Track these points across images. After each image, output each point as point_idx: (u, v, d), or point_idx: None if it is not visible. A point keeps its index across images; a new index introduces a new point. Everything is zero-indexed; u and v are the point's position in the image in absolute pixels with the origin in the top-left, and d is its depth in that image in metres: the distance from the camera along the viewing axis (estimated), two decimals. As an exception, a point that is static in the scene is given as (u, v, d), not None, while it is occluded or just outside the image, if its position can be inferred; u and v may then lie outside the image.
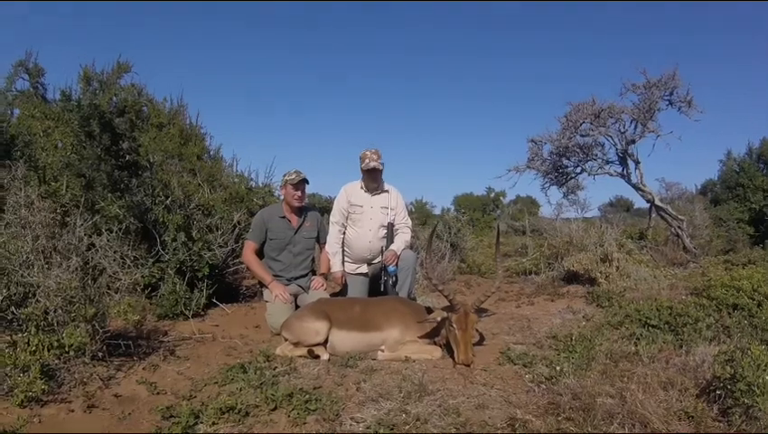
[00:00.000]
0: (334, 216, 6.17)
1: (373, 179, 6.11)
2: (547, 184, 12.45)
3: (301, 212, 6.08)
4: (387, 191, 6.19)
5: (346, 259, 6.22)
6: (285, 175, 5.94)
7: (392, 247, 5.99)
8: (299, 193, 5.94)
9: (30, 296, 3.96)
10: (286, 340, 4.79)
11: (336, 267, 6.09)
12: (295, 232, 6.02)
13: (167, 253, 5.99)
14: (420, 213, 19.57)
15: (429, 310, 4.89)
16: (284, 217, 6.00)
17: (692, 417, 3.12)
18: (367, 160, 6.02)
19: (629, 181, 11.45)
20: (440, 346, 4.72)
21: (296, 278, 6.01)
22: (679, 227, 11.08)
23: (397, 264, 5.91)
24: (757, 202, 16.07)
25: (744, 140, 30.89)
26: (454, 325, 4.46)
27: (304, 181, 5.95)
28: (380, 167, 6.04)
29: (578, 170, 12.10)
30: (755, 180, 16.81)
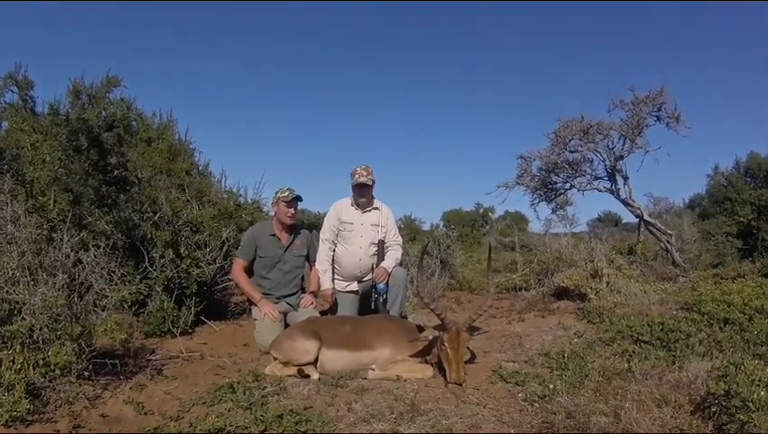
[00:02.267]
0: (324, 233, 6.14)
1: (362, 194, 6.10)
2: (537, 200, 12.47)
3: (291, 229, 6.05)
4: (377, 208, 6.18)
5: (336, 276, 6.18)
6: (277, 192, 5.90)
7: (383, 264, 5.96)
8: (292, 210, 5.91)
9: (15, 313, 3.89)
10: (276, 359, 4.74)
11: (326, 284, 6.04)
12: (285, 250, 5.98)
13: (155, 270, 5.93)
14: (409, 230, 19.54)
15: (420, 328, 4.86)
16: (274, 235, 5.97)
17: (687, 434, 3.10)
18: (356, 175, 6.01)
19: (618, 196, 11.49)
20: (431, 365, 4.68)
21: (286, 297, 5.97)
22: (668, 241, 11.11)
23: (387, 282, 5.88)
24: (745, 216, 16.13)
25: (731, 154, 31.06)
26: (446, 344, 4.43)
27: (297, 198, 5.92)
28: (369, 183, 6.04)
29: (567, 186, 12.14)
30: (743, 194, 16.88)
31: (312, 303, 5.98)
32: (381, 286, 5.85)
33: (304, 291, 6.17)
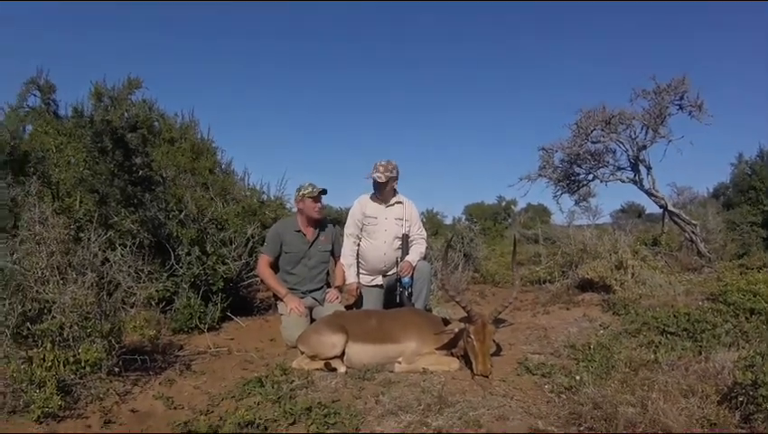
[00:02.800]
0: (349, 228, 6.17)
1: (379, 191, 6.12)
2: (559, 192, 12.38)
3: (317, 224, 6.09)
4: (401, 202, 6.19)
5: (361, 270, 6.22)
6: (300, 190, 5.94)
7: (407, 258, 5.99)
8: (319, 204, 5.98)
9: (45, 312, 3.95)
10: (303, 353, 4.78)
11: (351, 278, 6.07)
12: (310, 246, 6.02)
13: (181, 267, 6.00)
14: (431, 224, 19.52)
15: (446, 321, 4.87)
16: (299, 231, 6.01)
17: (714, 424, 3.09)
18: (373, 170, 6.03)
19: (641, 187, 11.37)
20: (458, 358, 4.69)
21: (311, 291, 6.01)
22: (692, 232, 10.99)
23: (412, 275, 5.89)
24: (770, 205, 15.94)
25: (755, 143, 30.59)
26: (472, 337, 4.43)
27: (323, 192, 5.96)
28: (383, 180, 6.03)
29: (590, 177, 12.03)
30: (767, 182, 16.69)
31: (337, 297, 6.01)
32: (406, 279, 5.87)
33: (329, 286, 6.20)
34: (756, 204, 16.49)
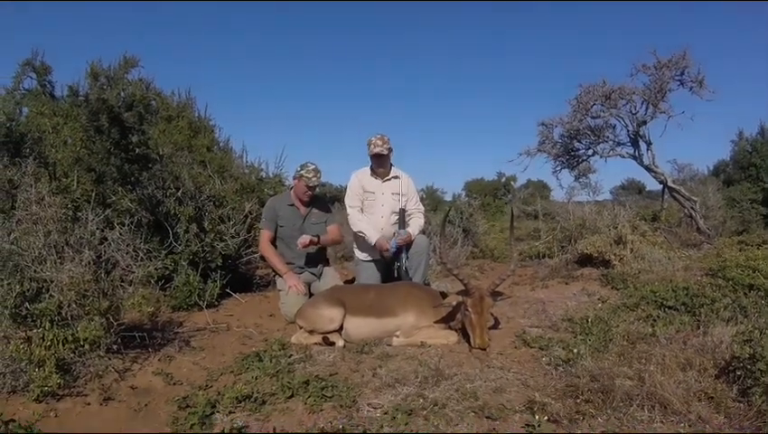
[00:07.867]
0: (351, 200, 6.15)
1: (379, 164, 6.12)
2: (559, 168, 12.33)
3: (310, 200, 6.10)
4: (398, 177, 6.19)
5: (359, 246, 6.21)
6: (302, 169, 5.95)
7: (408, 229, 5.98)
8: (311, 192, 6.01)
9: (43, 291, 3.94)
10: (301, 328, 4.80)
11: (374, 238, 5.97)
12: (304, 220, 6.05)
13: (180, 245, 6.00)
14: (431, 200, 19.52)
15: (444, 295, 4.87)
16: (292, 205, 6.04)
17: (712, 397, 3.09)
18: (372, 146, 6.05)
19: (641, 162, 11.33)
20: (455, 331, 4.70)
21: (308, 265, 6.03)
22: (692, 208, 10.97)
23: (408, 247, 5.88)
24: (770, 182, 15.89)
25: (756, 120, 30.42)
26: (470, 310, 4.44)
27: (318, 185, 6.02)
28: (386, 152, 6.06)
29: (590, 152, 11.98)
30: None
31: (310, 242, 5.85)
32: (393, 242, 5.87)
33: (327, 263, 6.22)
34: (756, 181, 16.44)
